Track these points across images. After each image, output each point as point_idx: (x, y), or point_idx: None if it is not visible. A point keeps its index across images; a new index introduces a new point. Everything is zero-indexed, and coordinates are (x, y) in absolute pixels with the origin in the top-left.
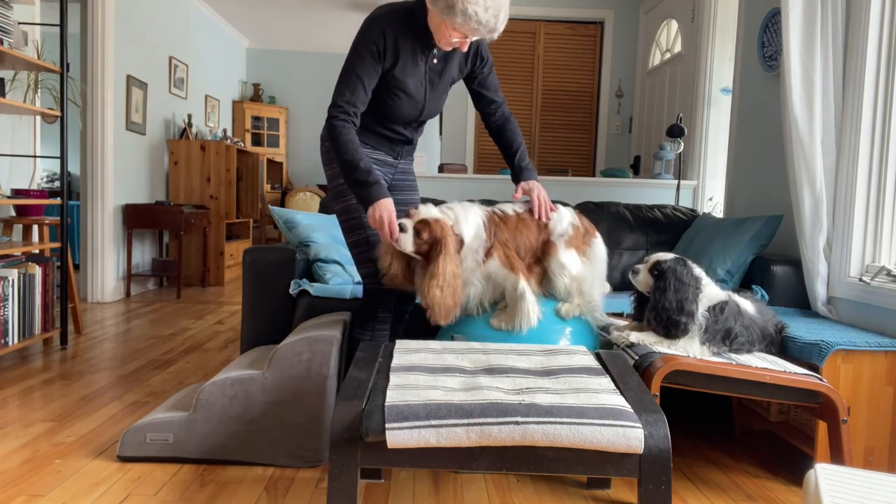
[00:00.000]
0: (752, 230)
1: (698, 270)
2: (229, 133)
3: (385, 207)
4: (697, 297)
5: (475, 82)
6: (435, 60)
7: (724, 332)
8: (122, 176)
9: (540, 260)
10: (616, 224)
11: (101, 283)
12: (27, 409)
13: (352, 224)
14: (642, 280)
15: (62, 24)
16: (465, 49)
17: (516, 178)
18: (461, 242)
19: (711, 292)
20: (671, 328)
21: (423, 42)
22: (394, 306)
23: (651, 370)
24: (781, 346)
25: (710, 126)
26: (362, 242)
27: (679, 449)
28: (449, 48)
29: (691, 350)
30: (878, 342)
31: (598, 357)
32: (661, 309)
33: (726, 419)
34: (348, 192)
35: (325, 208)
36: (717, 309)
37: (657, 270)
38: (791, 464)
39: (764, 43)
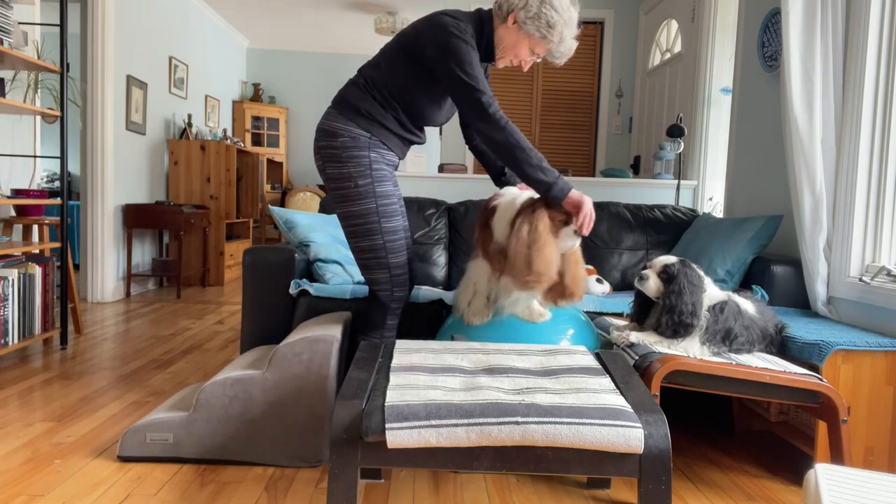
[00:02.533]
0: (752, 230)
1: (700, 271)
2: (229, 133)
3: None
4: (703, 303)
5: None
6: None
7: (724, 332)
8: (122, 176)
9: None
10: (616, 224)
11: (101, 283)
12: (27, 409)
13: (367, 228)
14: (653, 286)
15: (62, 24)
16: (526, 69)
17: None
18: None
19: (712, 292)
20: (681, 329)
21: (480, 54)
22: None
23: (651, 370)
24: (781, 346)
25: (710, 126)
26: (379, 248)
27: (679, 449)
28: (504, 66)
29: (691, 350)
30: (878, 342)
31: (598, 357)
32: (678, 313)
33: (726, 419)
34: (364, 196)
35: (325, 208)
36: (718, 309)
37: (666, 274)
38: (791, 464)
39: (764, 43)
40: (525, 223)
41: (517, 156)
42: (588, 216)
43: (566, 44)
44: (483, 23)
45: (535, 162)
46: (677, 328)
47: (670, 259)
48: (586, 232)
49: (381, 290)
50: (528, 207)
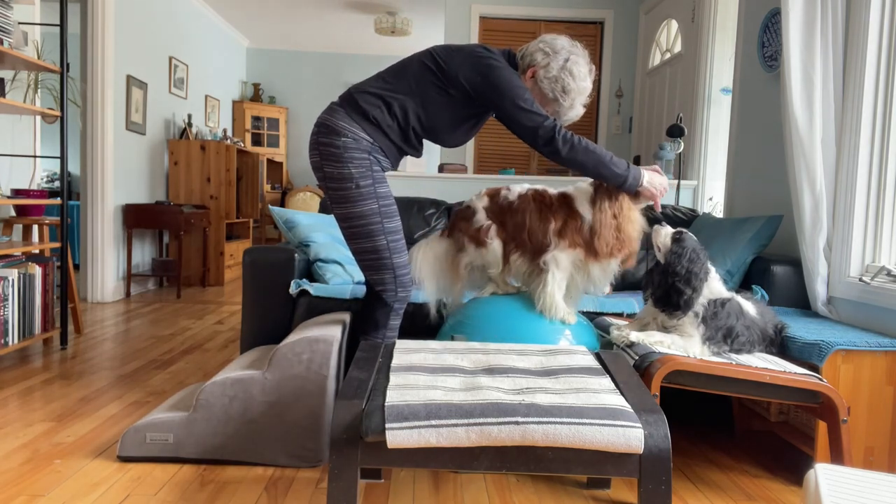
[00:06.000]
0: (752, 230)
1: (710, 266)
2: (229, 133)
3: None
4: (703, 283)
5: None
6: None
7: (725, 331)
8: (122, 176)
9: None
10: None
11: (101, 283)
12: (27, 409)
13: (370, 229)
14: (663, 235)
15: (62, 24)
16: None
17: None
18: None
19: (716, 287)
20: (672, 295)
21: None
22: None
23: (651, 370)
24: (781, 346)
25: (710, 126)
26: (382, 248)
27: (679, 449)
28: None
29: (692, 350)
30: (878, 342)
31: (598, 357)
32: (671, 273)
33: (726, 419)
34: (366, 197)
35: (325, 208)
36: (718, 304)
37: (679, 236)
38: (791, 464)
39: (764, 43)
40: (607, 200)
41: (595, 165)
42: (660, 199)
43: (575, 110)
44: (510, 65)
45: (607, 160)
46: (670, 292)
47: (690, 236)
48: (658, 209)
49: (385, 290)
50: (602, 186)
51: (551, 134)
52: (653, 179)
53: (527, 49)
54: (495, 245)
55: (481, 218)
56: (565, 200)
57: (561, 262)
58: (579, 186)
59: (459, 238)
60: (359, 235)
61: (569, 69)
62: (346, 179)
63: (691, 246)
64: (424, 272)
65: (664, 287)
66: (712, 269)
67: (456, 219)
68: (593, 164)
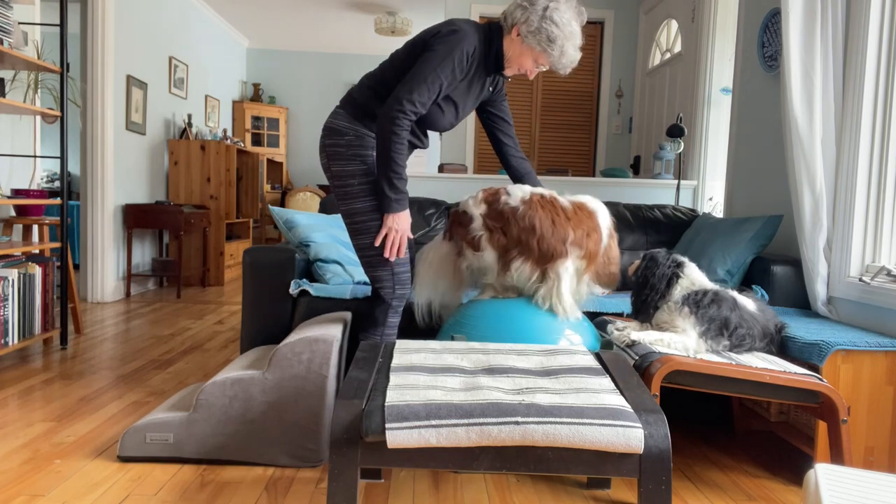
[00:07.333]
0: (752, 230)
1: (685, 261)
2: (229, 133)
3: (407, 221)
4: (672, 280)
5: (491, 104)
6: (491, 88)
7: (721, 322)
8: (122, 176)
9: None
10: (616, 224)
11: (101, 283)
12: (27, 409)
13: (370, 226)
14: (636, 265)
15: (62, 24)
16: (532, 78)
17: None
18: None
19: (697, 279)
20: (635, 298)
21: (489, 65)
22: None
23: (651, 370)
24: (781, 345)
25: (710, 126)
26: (382, 246)
27: (679, 449)
28: (511, 74)
29: (690, 344)
30: (878, 342)
31: (598, 357)
32: (634, 283)
33: (726, 419)
34: (368, 193)
35: (325, 208)
36: (701, 293)
37: (643, 257)
38: (791, 464)
39: (764, 43)
40: (615, 238)
41: (378, 161)
42: (388, 236)
43: (568, 56)
44: (492, 35)
45: (389, 178)
46: (634, 296)
47: (657, 250)
48: (386, 254)
49: (383, 287)
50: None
51: (399, 107)
52: (396, 221)
53: (507, 9)
54: (487, 255)
55: (478, 226)
56: (585, 212)
57: (570, 268)
58: (600, 205)
59: (458, 242)
60: (360, 231)
61: (549, 17)
62: (350, 176)
63: (649, 256)
64: (428, 275)
65: (633, 294)
66: (690, 266)
67: (453, 223)
68: (389, 166)
